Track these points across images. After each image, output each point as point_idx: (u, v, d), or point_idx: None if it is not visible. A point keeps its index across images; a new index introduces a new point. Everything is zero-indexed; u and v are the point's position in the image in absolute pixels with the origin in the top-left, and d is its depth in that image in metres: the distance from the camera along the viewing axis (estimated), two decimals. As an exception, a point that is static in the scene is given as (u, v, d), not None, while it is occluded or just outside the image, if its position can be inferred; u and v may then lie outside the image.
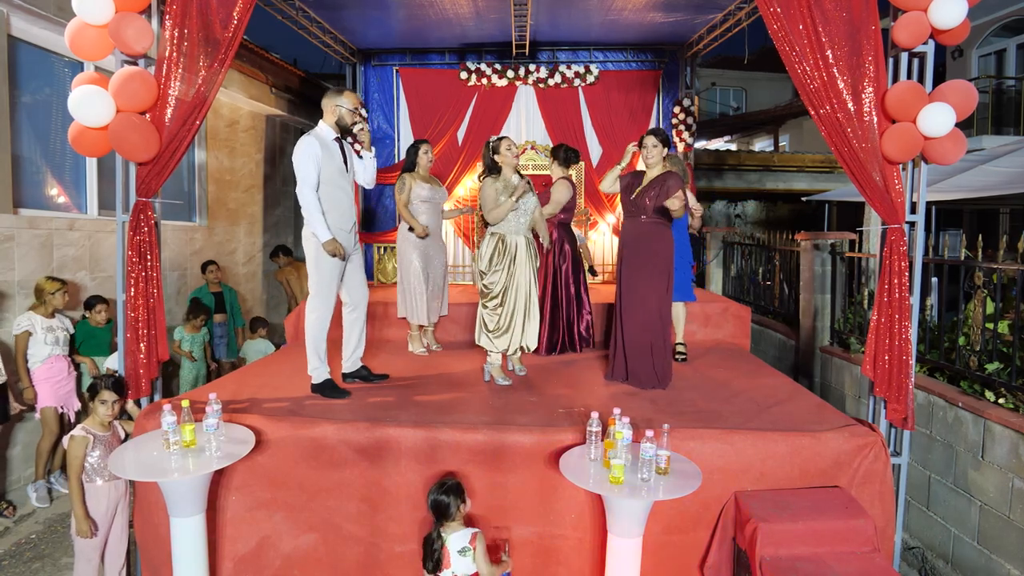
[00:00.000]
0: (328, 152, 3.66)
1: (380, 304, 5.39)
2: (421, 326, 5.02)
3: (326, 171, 3.63)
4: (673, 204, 3.85)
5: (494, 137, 4.23)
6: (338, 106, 3.68)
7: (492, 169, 4.16)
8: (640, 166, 4.25)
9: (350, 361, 4.03)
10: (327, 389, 3.74)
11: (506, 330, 4.08)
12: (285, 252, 7.55)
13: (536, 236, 4.36)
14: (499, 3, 6.02)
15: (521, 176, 4.19)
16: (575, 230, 7.12)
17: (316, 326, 3.73)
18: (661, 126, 7.86)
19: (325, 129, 3.71)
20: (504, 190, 4.06)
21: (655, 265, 4.01)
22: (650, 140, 4.06)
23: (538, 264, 4.26)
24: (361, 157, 3.93)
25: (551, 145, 7.64)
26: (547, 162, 5.42)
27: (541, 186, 6.16)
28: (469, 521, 2.91)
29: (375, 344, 5.05)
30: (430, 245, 4.93)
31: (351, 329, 3.98)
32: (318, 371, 3.77)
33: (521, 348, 4.18)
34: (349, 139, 3.86)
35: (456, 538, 2.72)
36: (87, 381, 4.79)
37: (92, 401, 3.31)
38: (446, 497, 2.74)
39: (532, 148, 7.65)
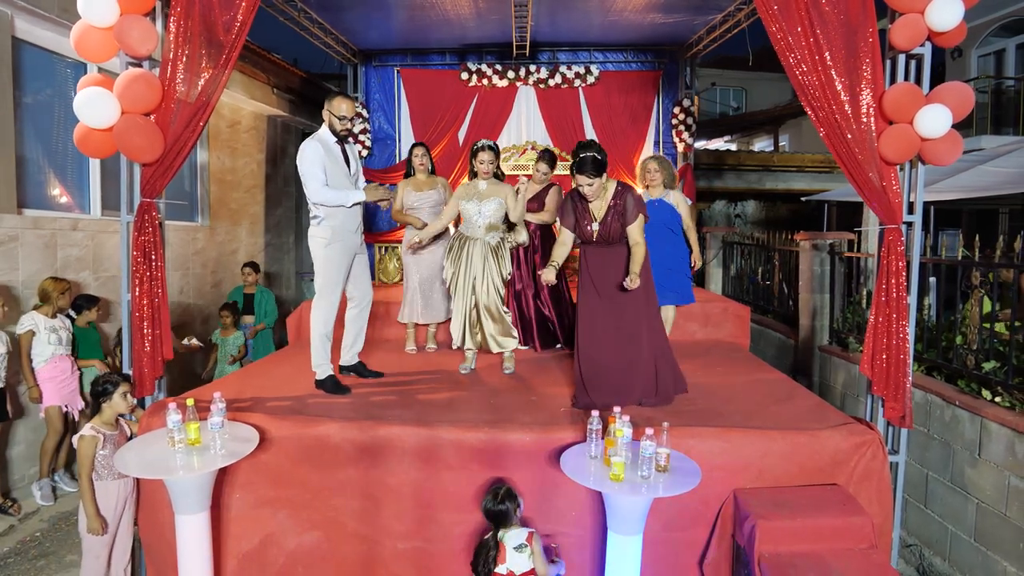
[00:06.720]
0: (331, 155, 3.72)
1: (381, 304, 5.40)
2: (417, 324, 5.07)
3: (331, 174, 3.68)
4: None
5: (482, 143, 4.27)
6: (329, 112, 3.72)
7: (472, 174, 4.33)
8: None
9: (348, 355, 4.12)
10: (330, 385, 3.79)
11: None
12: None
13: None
14: (500, 4, 6.05)
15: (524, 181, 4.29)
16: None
17: (321, 323, 3.78)
18: (661, 126, 7.87)
19: (326, 132, 3.76)
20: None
21: (641, 287, 3.52)
22: (581, 179, 3.46)
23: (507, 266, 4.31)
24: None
25: (550, 145, 7.67)
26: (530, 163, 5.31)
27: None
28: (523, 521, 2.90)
29: (374, 343, 5.07)
30: (425, 246, 4.92)
31: (352, 324, 4.06)
32: (322, 368, 3.82)
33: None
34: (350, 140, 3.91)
35: (513, 535, 2.73)
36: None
37: (102, 400, 3.31)
38: (504, 505, 2.73)
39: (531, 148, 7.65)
